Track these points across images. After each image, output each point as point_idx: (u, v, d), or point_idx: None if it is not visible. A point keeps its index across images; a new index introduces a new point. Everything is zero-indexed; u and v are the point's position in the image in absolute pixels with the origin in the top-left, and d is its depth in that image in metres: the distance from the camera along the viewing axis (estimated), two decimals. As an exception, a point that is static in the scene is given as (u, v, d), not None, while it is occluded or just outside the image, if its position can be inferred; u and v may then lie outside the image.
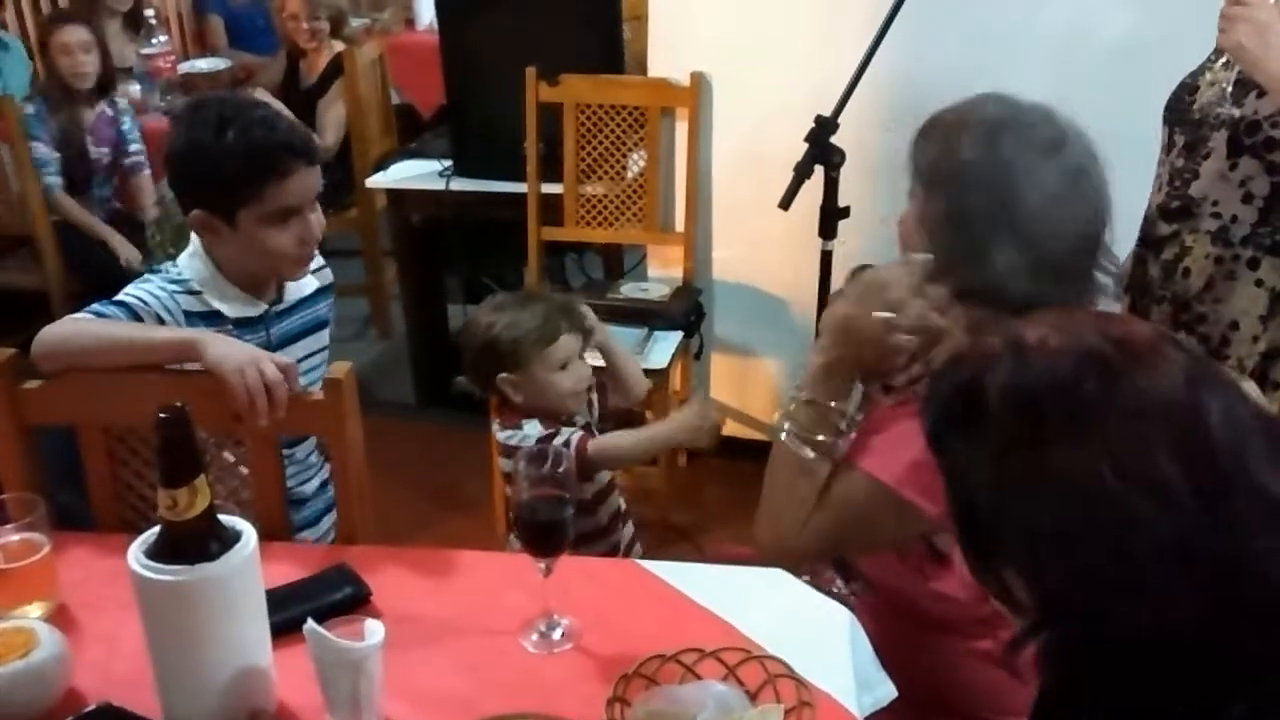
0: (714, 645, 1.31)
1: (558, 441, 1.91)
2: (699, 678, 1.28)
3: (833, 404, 1.48)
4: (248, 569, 1.24)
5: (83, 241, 3.89)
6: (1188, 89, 1.85)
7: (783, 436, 1.51)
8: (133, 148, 4.05)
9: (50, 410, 1.66)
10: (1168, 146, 1.85)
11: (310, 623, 1.24)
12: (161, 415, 1.17)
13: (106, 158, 4.01)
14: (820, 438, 1.48)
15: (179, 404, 1.18)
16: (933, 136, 1.47)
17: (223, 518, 1.26)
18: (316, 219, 1.86)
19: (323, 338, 2.06)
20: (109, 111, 4.00)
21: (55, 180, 3.87)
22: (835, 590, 1.64)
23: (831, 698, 1.30)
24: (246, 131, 1.79)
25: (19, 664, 1.27)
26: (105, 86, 3.97)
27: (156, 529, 1.23)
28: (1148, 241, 1.87)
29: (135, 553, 1.22)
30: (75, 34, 3.86)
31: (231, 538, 1.24)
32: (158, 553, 1.21)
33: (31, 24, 4.87)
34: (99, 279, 3.36)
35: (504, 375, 1.97)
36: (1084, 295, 1.47)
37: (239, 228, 1.81)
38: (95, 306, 1.74)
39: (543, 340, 1.95)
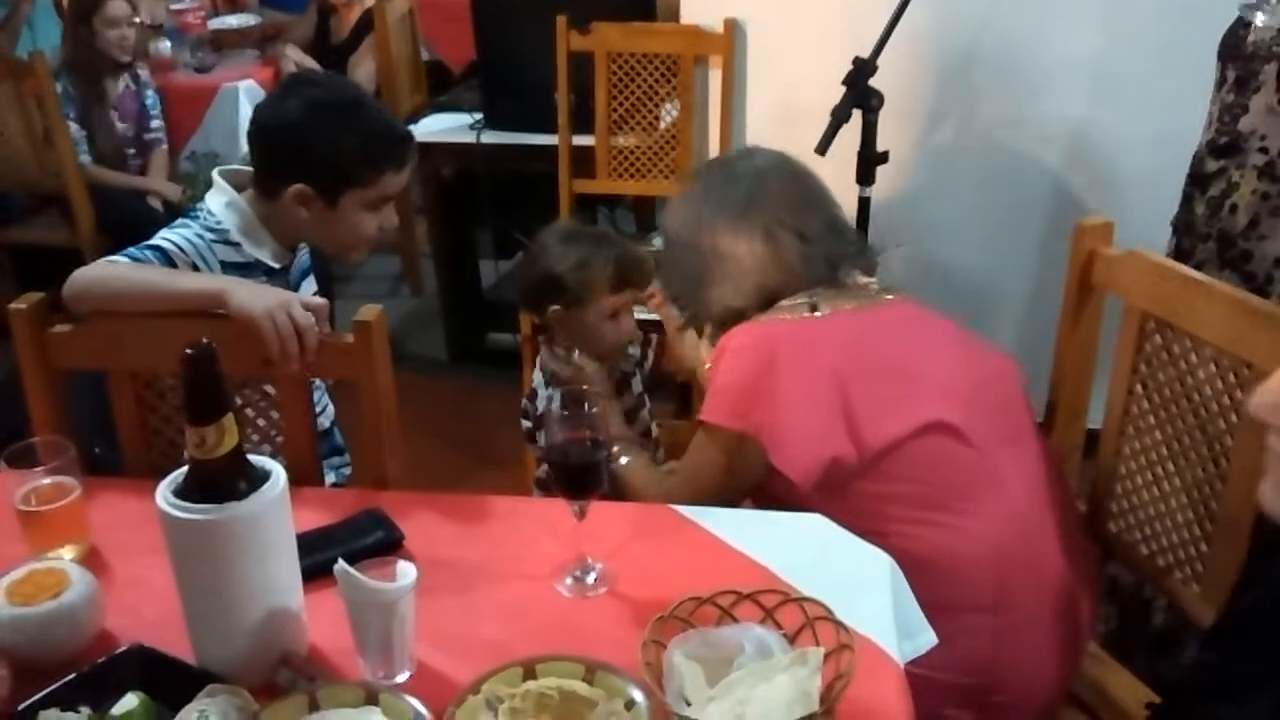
0: (752, 587, 1.28)
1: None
2: (736, 620, 1.25)
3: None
4: (277, 508, 1.22)
5: (114, 199, 3.90)
6: (1242, 23, 1.79)
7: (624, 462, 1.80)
8: (153, 123, 4.07)
9: (79, 355, 1.65)
10: (1219, 83, 1.80)
11: (341, 563, 1.22)
12: (188, 352, 1.15)
13: (130, 131, 4.02)
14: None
15: (205, 340, 1.15)
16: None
17: (251, 458, 1.24)
18: (393, 209, 1.93)
19: (312, 284, 2.06)
20: (132, 85, 4.00)
21: (85, 158, 3.89)
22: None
23: (872, 642, 1.27)
24: (374, 117, 1.85)
25: (50, 604, 1.26)
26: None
27: (184, 469, 1.21)
28: (1195, 179, 1.82)
29: (164, 492, 1.20)
30: (121, 7, 3.87)
31: (260, 477, 1.22)
32: (186, 492, 1.19)
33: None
34: (131, 236, 3.36)
35: (557, 309, 1.95)
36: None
37: (338, 208, 1.83)
38: (131, 250, 1.73)
39: (606, 289, 1.94)
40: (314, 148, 1.80)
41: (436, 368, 3.82)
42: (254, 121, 1.88)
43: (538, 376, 2.03)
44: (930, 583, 1.47)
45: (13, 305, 1.61)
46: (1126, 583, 2.02)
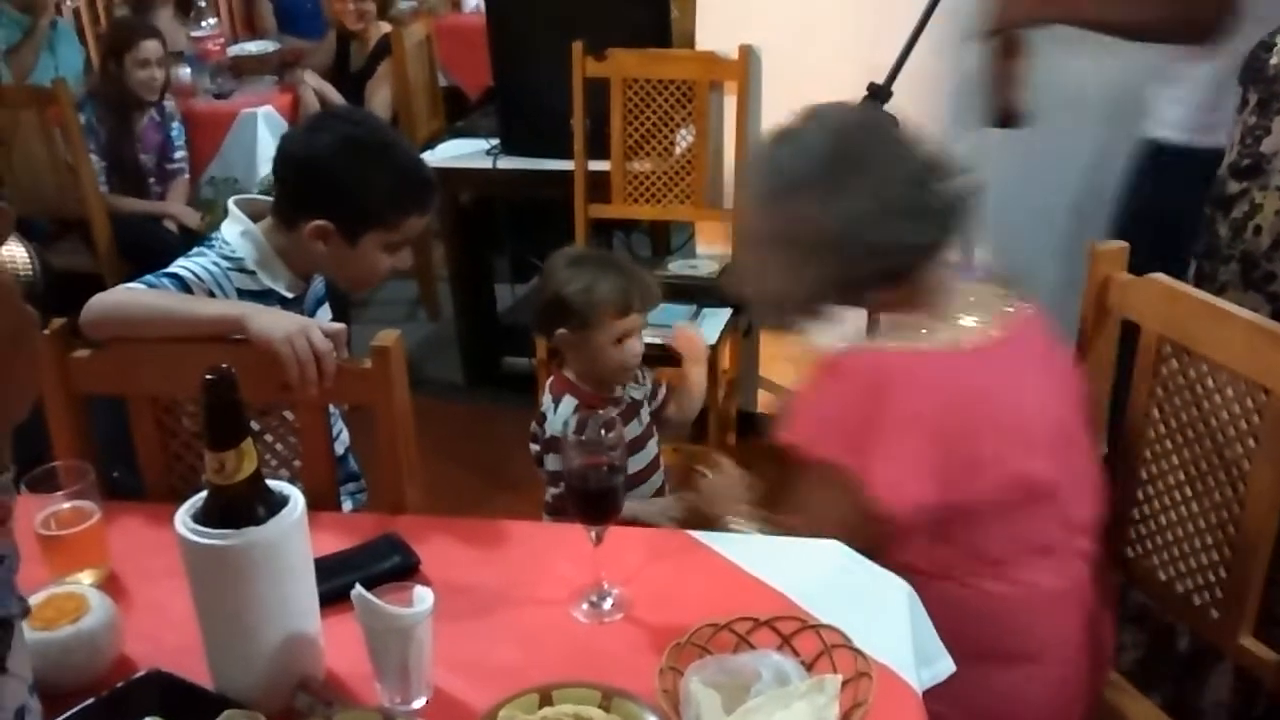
0: (769, 614, 1.28)
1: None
2: (753, 647, 1.25)
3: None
4: (295, 534, 1.22)
5: (132, 225, 3.93)
6: (1264, 46, 1.79)
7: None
8: (176, 154, 4.10)
9: (99, 380, 1.66)
10: (1241, 105, 1.80)
11: (358, 589, 1.22)
12: (208, 377, 1.16)
13: (152, 161, 4.06)
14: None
15: (225, 366, 1.16)
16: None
17: (270, 483, 1.25)
18: (409, 253, 1.93)
19: (327, 310, 2.07)
20: (157, 117, 4.04)
21: (104, 188, 3.93)
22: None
23: (890, 669, 1.26)
24: (405, 160, 1.85)
25: (69, 629, 1.27)
26: (162, 92, 4.01)
27: (203, 494, 1.22)
28: (1217, 202, 1.82)
29: (182, 517, 1.21)
30: (154, 49, 3.92)
31: (279, 502, 1.22)
32: (205, 517, 1.20)
33: (84, 9, 4.94)
34: (149, 261, 3.39)
35: (564, 331, 1.97)
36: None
37: (358, 247, 1.83)
38: (149, 278, 1.74)
39: (611, 312, 1.95)
40: (343, 185, 1.80)
41: (453, 392, 3.83)
42: (282, 151, 1.88)
43: (546, 400, 2.04)
44: (992, 633, 1.47)
45: (35, 332, 1.63)
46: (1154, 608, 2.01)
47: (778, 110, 3.11)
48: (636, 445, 2.08)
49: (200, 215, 4.00)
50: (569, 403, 1.99)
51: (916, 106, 2.31)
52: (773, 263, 1.58)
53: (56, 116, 3.77)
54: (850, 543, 1.48)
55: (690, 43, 3.24)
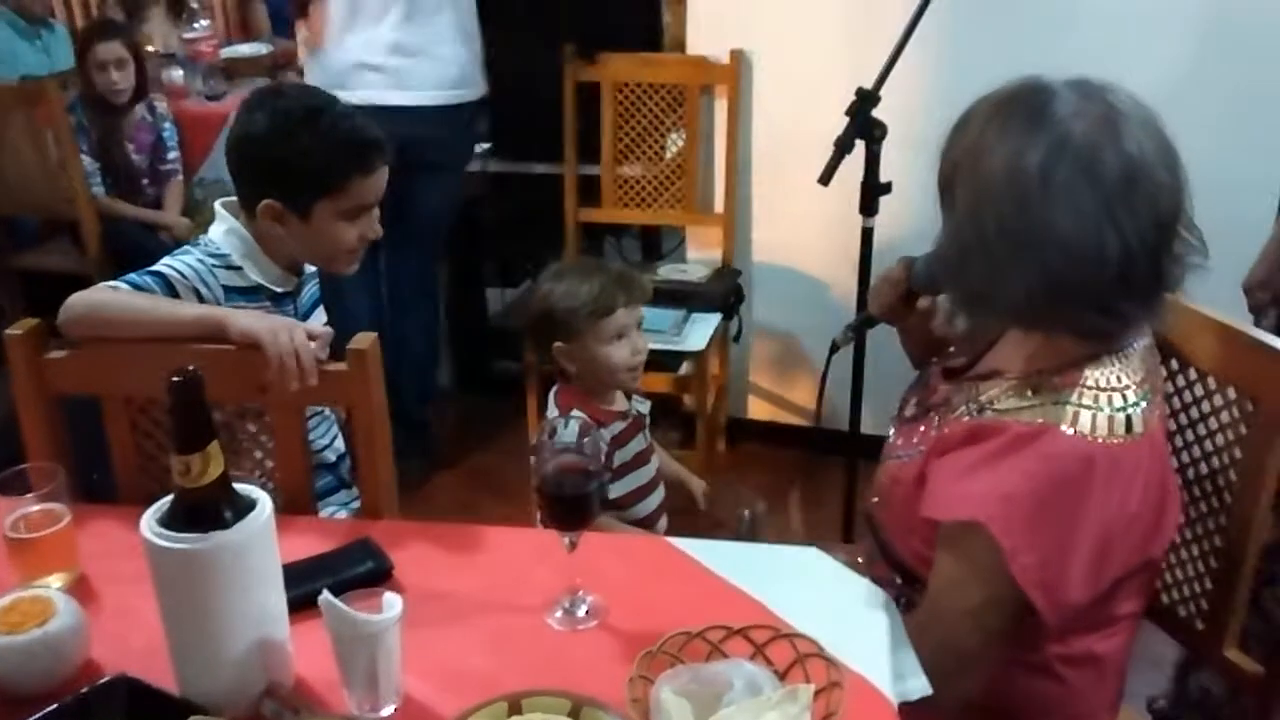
0: (742, 623, 1.26)
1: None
2: (726, 656, 1.23)
3: None
4: (262, 538, 1.21)
5: (123, 229, 3.91)
6: None
7: None
8: (169, 154, 4.07)
9: (74, 380, 1.64)
10: None
11: (326, 594, 1.20)
12: (174, 379, 1.14)
13: (145, 162, 4.04)
14: None
15: (191, 367, 1.15)
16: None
17: (238, 486, 1.23)
18: (376, 217, 1.87)
19: (322, 314, 2.05)
20: (148, 117, 4.02)
21: (98, 190, 3.92)
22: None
23: (864, 679, 1.24)
24: (337, 123, 1.80)
25: (35, 633, 1.25)
26: (139, 94, 3.97)
27: (170, 497, 1.20)
28: None
29: (148, 520, 1.19)
30: (112, 51, 3.85)
31: (246, 506, 1.21)
32: (171, 520, 1.18)
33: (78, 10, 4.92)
34: (139, 264, 3.37)
35: (559, 345, 1.97)
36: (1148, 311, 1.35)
37: (311, 220, 1.81)
38: (131, 276, 1.72)
39: (596, 313, 1.95)
40: (277, 158, 1.78)
41: (443, 395, 3.81)
42: (227, 139, 1.87)
43: (554, 413, 2.03)
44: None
45: (8, 330, 1.61)
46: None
47: (769, 114, 3.12)
48: (641, 460, 2.07)
49: (190, 225, 3.94)
50: (577, 416, 1.97)
51: (904, 112, 2.30)
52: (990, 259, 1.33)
53: (46, 116, 3.75)
54: (975, 631, 1.38)
55: (681, 47, 3.23)
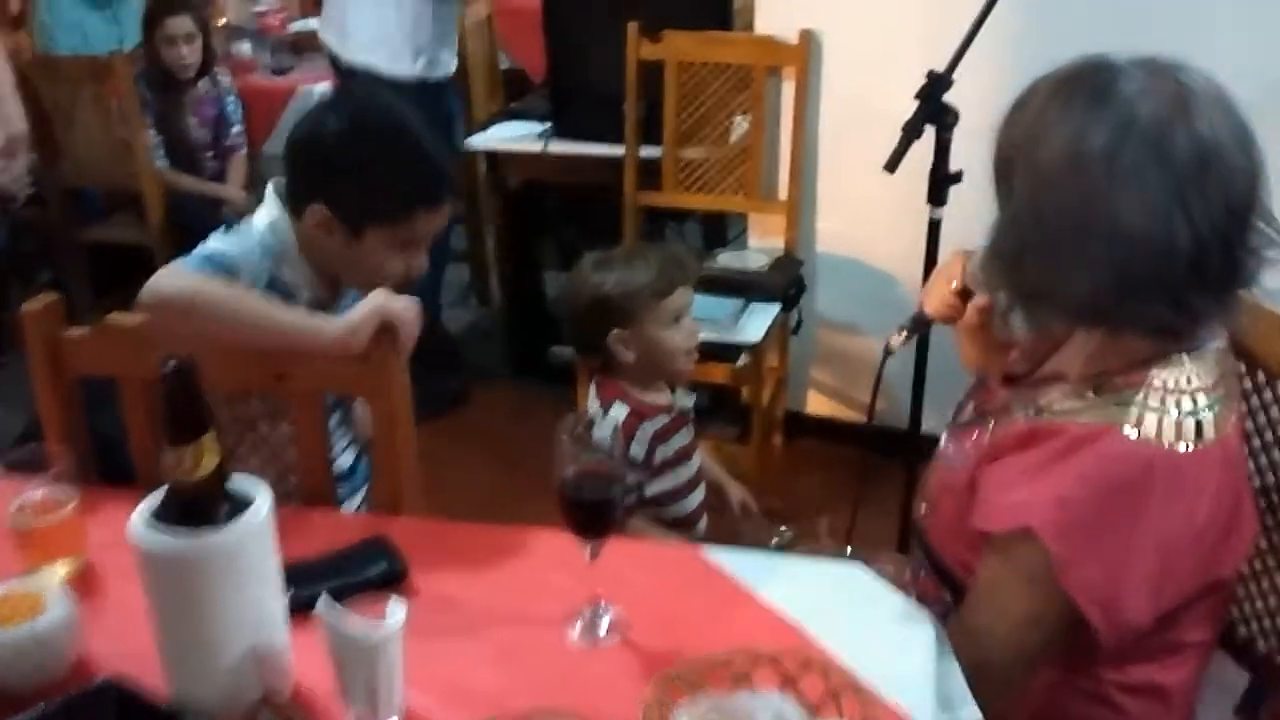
0: (771, 648, 1.16)
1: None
2: (752, 686, 1.13)
3: None
4: (258, 537, 1.13)
5: (185, 202, 3.92)
6: None
7: None
8: (234, 129, 4.07)
9: (91, 361, 1.59)
10: None
11: (323, 600, 1.13)
12: (166, 367, 1.07)
13: (208, 135, 4.03)
14: None
15: (184, 355, 1.08)
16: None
17: (241, 482, 1.16)
18: (426, 252, 1.75)
19: None
20: (212, 90, 4.01)
21: (162, 164, 3.92)
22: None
23: (904, 714, 1.14)
24: (415, 149, 1.69)
25: (24, 629, 1.19)
26: (205, 69, 3.97)
27: (164, 488, 1.14)
28: None
29: (140, 514, 1.12)
30: (181, 25, 3.86)
31: (244, 503, 1.13)
32: (165, 514, 1.12)
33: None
34: (202, 238, 3.36)
35: (616, 332, 1.88)
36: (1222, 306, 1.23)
37: (362, 241, 1.68)
38: (196, 261, 1.62)
39: (658, 293, 1.87)
40: (341, 169, 1.65)
41: (497, 379, 3.75)
42: (292, 130, 1.75)
43: (594, 406, 1.94)
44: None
45: (25, 307, 1.56)
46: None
47: (836, 97, 2.99)
48: (684, 455, 1.99)
49: (252, 200, 3.95)
50: (620, 408, 1.90)
51: (977, 97, 2.17)
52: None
53: (114, 90, 3.75)
54: (1008, 648, 1.29)
55: (751, 27, 3.11)
